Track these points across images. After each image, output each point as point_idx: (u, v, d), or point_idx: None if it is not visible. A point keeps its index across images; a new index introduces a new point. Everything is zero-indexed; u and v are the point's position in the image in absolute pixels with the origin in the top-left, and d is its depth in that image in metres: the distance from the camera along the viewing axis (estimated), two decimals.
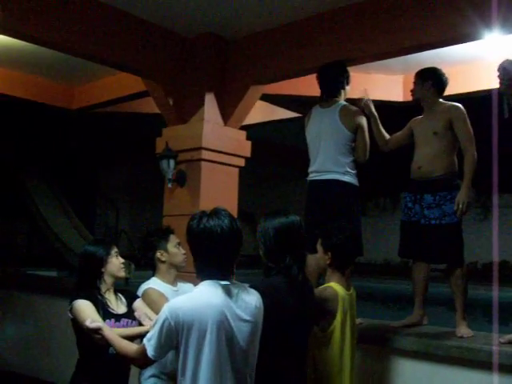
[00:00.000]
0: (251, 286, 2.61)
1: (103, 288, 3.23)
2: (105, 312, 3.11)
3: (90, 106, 7.57)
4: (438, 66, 4.28)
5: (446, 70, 4.27)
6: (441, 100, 4.23)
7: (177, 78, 5.46)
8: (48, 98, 7.44)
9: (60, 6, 4.56)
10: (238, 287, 2.49)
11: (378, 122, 4.41)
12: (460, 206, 3.92)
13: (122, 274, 3.32)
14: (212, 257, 2.45)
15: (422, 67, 4.31)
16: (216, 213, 2.49)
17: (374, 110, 4.37)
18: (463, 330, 3.79)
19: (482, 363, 3.36)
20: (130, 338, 2.86)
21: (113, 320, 3.12)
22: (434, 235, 4.00)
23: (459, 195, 3.95)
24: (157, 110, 5.78)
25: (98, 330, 2.80)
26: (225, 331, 2.35)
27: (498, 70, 3.25)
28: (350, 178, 4.21)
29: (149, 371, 3.27)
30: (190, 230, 2.50)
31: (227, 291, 2.41)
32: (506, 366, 3.28)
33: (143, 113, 7.80)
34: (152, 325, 2.47)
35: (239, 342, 2.40)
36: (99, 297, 3.17)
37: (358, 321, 4.02)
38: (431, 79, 4.20)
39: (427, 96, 4.21)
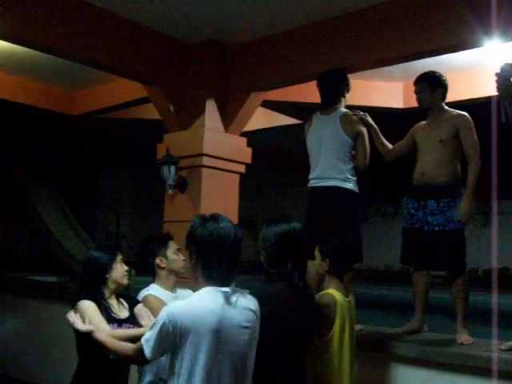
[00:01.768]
0: (252, 293, 2.61)
1: (106, 293, 3.24)
2: (108, 316, 3.11)
3: (91, 111, 7.60)
4: None
5: (446, 77, 4.28)
6: (446, 107, 4.23)
7: (178, 85, 5.48)
8: (49, 104, 7.47)
9: (61, 13, 4.58)
10: (238, 293, 2.48)
11: (379, 132, 4.41)
12: (463, 217, 3.93)
13: (125, 281, 3.32)
14: (217, 262, 2.44)
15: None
16: (220, 218, 2.51)
17: (371, 121, 4.37)
18: (464, 336, 3.79)
19: (483, 370, 3.35)
20: (133, 339, 2.87)
21: (115, 325, 3.12)
22: (438, 242, 4.00)
23: (462, 206, 3.95)
24: (158, 116, 5.80)
25: (89, 334, 2.81)
26: (222, 338, 2.35)
27: (496, 73, 3.25)
28: (350, 184, 4.21)
29: (147, 377, 3.27)
30: (196, 234, 2.48)
31: (226, 297, 2.41)
32: (507, 373, 3.27)
33: (144, 119, 7.81)
34: (150, 325, 2.47)
35: (237, 349, 2.40)
36: (102, 301, 3.18)
37: (358, 327, 4.02)
38: (441, 87, 4.18)
39: (436, 103, 4.20)
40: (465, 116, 4.10)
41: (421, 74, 4.26)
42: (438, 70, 4.28)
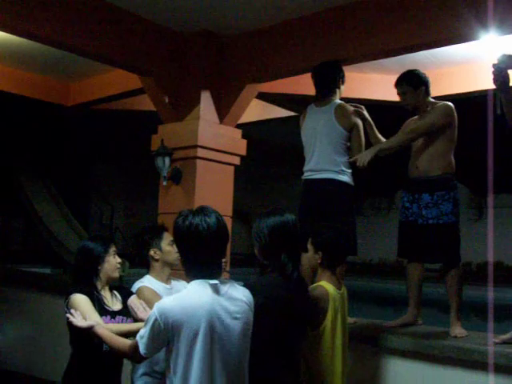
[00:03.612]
0: (246, 284, 2.61)
1: (99, 285, 3.22)
2: (101, 308, 3.10)
3: (85, 102, 7.56)
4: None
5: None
6: (432, 100, 4.22)
7: (173, 76, 5.45)
8: (43, 95, 7.43)
9: (56, 2, 4.55)
10: (227, 285, 2.48)
11: (374, 126, 4.40)
12: (358, 162, 4.10)
13: (117, 274, 3.30)
14: (199, 254, 2.44)
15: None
16: (202, 210, 2.49)
17: (367, 115, 4.37)
18: (457, 329, 3.79)
19: (476, 363, 3.37)
20: (127, 335, 2.86)
21: (108, 317, 3.11)
22: (432, 235, 4.00)
23: (364, 152, 4.15)
24: (152, 108, 5.77)
25: (89, 329, 2.80)
26: (215, 330, 2.35)
27: (493, 65, 3.23)
28: (345, 177, 4.20)
29: (141, 369, 3.26)
30: (175, 227, 2.50)
31: (216, 290, 2.41)
32: (500, 366, 3.28)
33: (139, 110, 7.79)
34: (144, 322, 2.46)
35: (230, 340, 2.40)
36: (96, 293, 3.16)
37: (352, 320, 4.03)
38: (423, 84, 4.15)
39: (421, 101, 4.17)
40: (442, 103, 4.11)
41: (399, 76, 4.23)
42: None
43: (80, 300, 3.04)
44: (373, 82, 6.43)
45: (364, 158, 4.09)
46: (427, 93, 4.19)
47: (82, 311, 2.95)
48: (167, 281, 3.50)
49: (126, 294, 3.32)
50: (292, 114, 7.71)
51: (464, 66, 5.77)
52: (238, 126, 5.76)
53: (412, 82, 4.15)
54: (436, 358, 3.56)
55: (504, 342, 3.47)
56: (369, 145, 4.35)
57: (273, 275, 2.75)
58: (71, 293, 3.08)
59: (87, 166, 13.73)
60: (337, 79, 4.45)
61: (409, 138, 4.13)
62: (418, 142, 4.18)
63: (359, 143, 4.25)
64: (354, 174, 4.27)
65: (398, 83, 4.22)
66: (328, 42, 4.77)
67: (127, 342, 2.63)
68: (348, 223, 4.07)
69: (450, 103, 4.09)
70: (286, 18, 5.01)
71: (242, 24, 5.21)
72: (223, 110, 5.48)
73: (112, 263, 3.25)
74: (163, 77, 5.41)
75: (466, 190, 13.24)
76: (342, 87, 4.49)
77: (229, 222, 5.03)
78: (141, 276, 3.51)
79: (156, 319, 2.32)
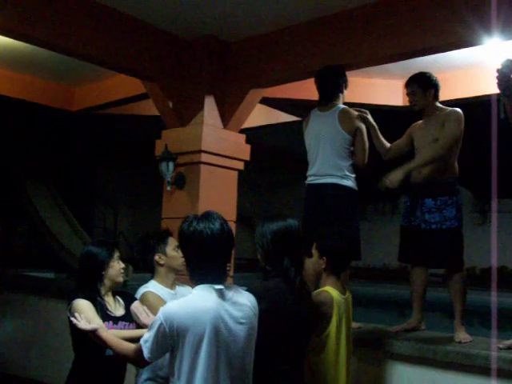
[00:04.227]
0: (249, 289, 2.61)
1: (102, 290, 3.22)
2: (103, 314, 3.10)
3: (89, 107, 7.59)
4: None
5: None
6: (440, 105, 4.22)
7: (176, 81, 5.47)
8: (48, 100, 7.45)
9: (60, 8, 4.56)
10: (232, 290, 2.48)
11: (378, 131, 4.40)
12: (387, 181, 4.01)
13: (121, 279, 3.31)
14: (204, 259, 2.44)
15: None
16: (206, 216, 2.50)
17: (371, 120, 4.37)
18: (461, 335, 3.78)
19: (480, 369, 3.36)
20: (130, 340, 2.86)
21: (111, 322, 3.12)
22: (435, 240, 3.99)
23: (393, 172, 4.03)
24: (156, 113, 5.78)
25: (93, 332, 2.80)
26: (220, 335, 2.35)
27: (497, 70, 3.24)
28: (348, 181, 4.20)
29: (145, 374, 3.25)
30: (181, 232, 2.51)
31: (221, 295, 2.41)
32: (504, 371, 3.27)
33: (143, 115, 7.81)
34: (148, 327, 2.46)
35: (235, 346, 2.40)
36: (99, 299, 3.16)
37: (357, 325, 4.02)
38: (433, 87, 4.16)
39: (429, 104, 4.18)
40: (453, 110, 4.10)
41: (411, 77, 4.24)
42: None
43: (83, 305, 3.04)
44: (377, 86, 6.43)
45: (394, 178, 4.04)
46: (436, 96, 4.19)
47: (85, 317, 2.95)
48: (172, 286, 3.49)
49: (128, 299, 3.31)
50: (295, 118, 7.72)
51: (468, 70, 5.78)
52: (242, 131, 5.77)
53: (422, 83, 4.17)
54: (440, 363, 3.56)
55: (508, 348, 3.45)
56: (373, 149, 4.35)
57: (276, 280, 2.75)
58: (74, 298, 3.08)
59: (91, 170, 13.75)
60: (340, 84, 4.45)
61: (440, 154, 4.02)
62: (421, 147, 4.18)
63: (363, 148, 4.24)
64: (357, 179, 4.27)
65: (409, 83, 4.24)
66: (332, 46, 4.77)
67: (131, 345, 2.62)
68: (352, 228, 4.07)
69: (460, 110, 4.09)
70: (289, 24, 5.02)
71: (245, 29, 5.22)
72: (227, 115, 5.49)
73: (116, 268, 3.26)
74: (167, 82, 5.42)
75: (469, 195, 13.22)
76: (345, 92, 4.49)
77: (233, 227, 5.03)
78: (145, 281, 3.51)
79: (161, 323, 2.32)
